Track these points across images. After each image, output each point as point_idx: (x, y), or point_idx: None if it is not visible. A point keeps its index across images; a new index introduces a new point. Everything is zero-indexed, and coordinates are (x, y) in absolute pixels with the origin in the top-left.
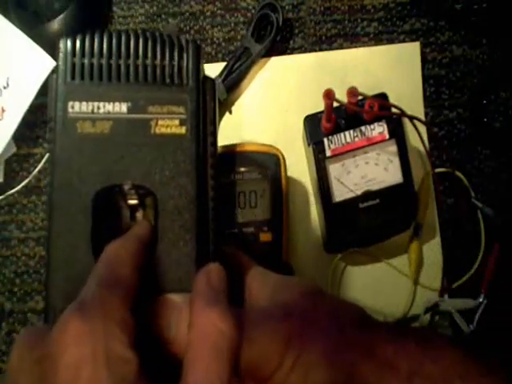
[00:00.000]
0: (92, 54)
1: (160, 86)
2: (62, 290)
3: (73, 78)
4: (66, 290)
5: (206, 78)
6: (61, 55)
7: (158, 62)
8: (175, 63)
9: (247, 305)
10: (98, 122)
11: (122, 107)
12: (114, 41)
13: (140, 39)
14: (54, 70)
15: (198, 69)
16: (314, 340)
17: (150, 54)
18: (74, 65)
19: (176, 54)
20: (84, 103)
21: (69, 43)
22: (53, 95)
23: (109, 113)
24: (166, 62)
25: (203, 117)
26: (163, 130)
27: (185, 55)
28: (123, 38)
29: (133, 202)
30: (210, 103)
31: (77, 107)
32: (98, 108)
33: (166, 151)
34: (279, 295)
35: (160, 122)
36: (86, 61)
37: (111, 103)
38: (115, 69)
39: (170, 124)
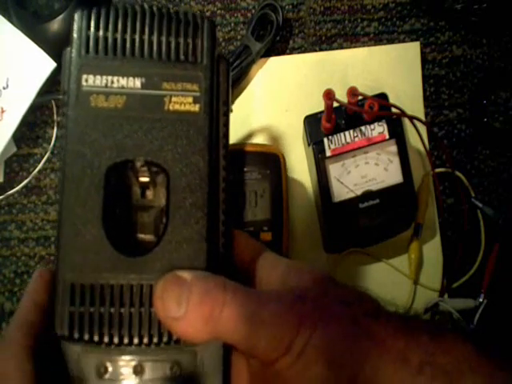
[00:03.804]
0: (107, 28)
1: (174, 62)
2: (72, 262)
3: (87, 51)
4: (75, 262)
5: (220, 57)
6: (75, 28)
7: (172, 38)
8: (190, 40)
9: (257, 289)
10: (111, 96)
11: (136, 82)
12: (130, 16)
13: (155, 15)
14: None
15: (212, 47)
16: (326, 326)
17: (165, 31)
18: (88, 38)
19: (191, 31)
20: (98, 77)
21: (84, 16)
22: (67, 68)
23: (123, 88)
24: (181, 39)
25: (216, 96)
26: (177, 106)
27: (200, 33)
28: (139, 14)
29: (144, 179)
30: (223, 83)
31: (91, 81)
32: (112, 82)
33: (179, 128)
34: (291, 280)
35: (174, 99)
36: (100, 34)
37: (125, 78)
38: (130, 44)
39: (183, 101)
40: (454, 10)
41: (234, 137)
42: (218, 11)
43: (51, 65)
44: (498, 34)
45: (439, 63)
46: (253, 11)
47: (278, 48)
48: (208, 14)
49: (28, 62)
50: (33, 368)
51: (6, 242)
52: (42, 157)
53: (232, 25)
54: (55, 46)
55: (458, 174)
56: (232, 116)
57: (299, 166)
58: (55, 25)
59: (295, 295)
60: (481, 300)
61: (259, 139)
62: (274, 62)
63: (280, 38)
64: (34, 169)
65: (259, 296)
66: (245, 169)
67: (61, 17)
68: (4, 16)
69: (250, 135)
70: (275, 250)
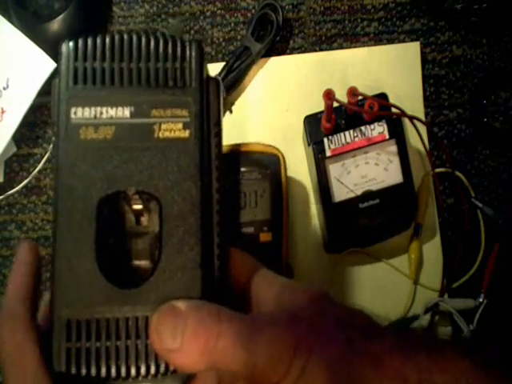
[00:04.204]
0: (94, 58)
1: (163, 88)
2: (67, 298)
3: (75, 82)
4: (70, 298)
5: (210, 77)
6: (63, 60)
7: (160, 64)
8: (178, 65)
9: (253, 308)
10: (100, 127)
11: (125, 112)
12: (116, 44)
13: (142, 41)
14: (55, 74)
15: (201, 70)
16: (322, 348)
17: (152, 57)
18: (76, 69)
19: (178, 55)
20: (87, 109)
21: (71, 46)
22: (56, 100)
23: (112, 118)
24: (169, 64)
25: (207, 118)
26: (166, 134)
27: (187, 56)
28: (125, 41)
29: (137, 207)
30: (214, 104)
31: (79, 113)
32: (101, 113)
33: (170, 156)
34: (286, 299)
35: (163, 126)
36: (88, 65)
37: (114, 108)
38: (118, 72)
39: (173, 128)
40: (454, 9)
41: (234, 137)
42: (218, 11)
43: (51, 65)
44: (498, 34)
45: (439, 63)
46: (253, 11)
47: (278, 48)
48: (208, 14)
49: (28, 62)
50: (39, 341)
51: (5, 242)
52: (42, 157)
53: (232, 25)
54: (55, 46)
55: (458, 173)
56: (232, 116)
57: (299, 166)
58: (55, 25)
59: (290, 316)
60: (481, 300)
61: (259, 139)
62: (274, 62)
63: (280, 38)
64: (34, 169)
65: (254, 320)
66: (245, 169)
67: (61, 17)
68: (4, 16)
69: (250, 135)
70: (275, 250)
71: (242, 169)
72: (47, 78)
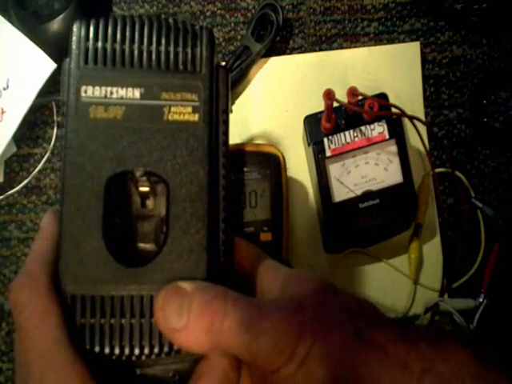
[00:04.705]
0: (105, 39)
1: (173, 72)
2: (72, 274)
3: (86, 62)
4: (76, 274)
5: (219, 65)
6: (74, 39)
7: (171, 48)
8: (189, 50)
9: (258, 297)
10: (110, 107)
11: (135, 93)
12: (128, 26)
13: (154, 25)
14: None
15: (211, 56)
16: (327, 335)
17: (163, 41)
18: (87, 49)
19: (189, 40)
20: (97, 88)
21: (82, 27)
22: (66, 79)
23: (122, 98)
24: (180, 48)
25: (216, 105)
26: (176, 116)
27: (198, 42)
28: (137, 24)
29: (144, 189)
30: (222, 91)
31: (90, 92)
32: (111, 93)
33: (179, 138)
34: (291, 288)
35: (173, 109)
36: (99, 45)
37: (124, 89)
38: (129, 54)
39: (182, 111)
40: (454, 9)
41: (234, 137)
42: (218, 11)
43: (51, 65)
44: (498, 34)
45: (439, 63)
46: (253, 11)
47: (278, 48)
48: (208, 14)
49: (28, 62)
50: (57, 304)
51: (5, 242)
52: (42, 157)
53: (232, 25)
54: (55, 47)
55: (458, 173)
56: (232, 116)
57: (299, 166)
58: (55, 25)
59: (295, 304)
60: (481, 300)
61: (259, 139)
62: (274, 62)
63: (280, 38)
64: (34, 169)
65: (259, 306)
66: (245, 169)
67: (61, 17)
68: (4, 16)
69: (250, 135)
70: (275, 250)
71: (242, 169)
72: (47, 78)
